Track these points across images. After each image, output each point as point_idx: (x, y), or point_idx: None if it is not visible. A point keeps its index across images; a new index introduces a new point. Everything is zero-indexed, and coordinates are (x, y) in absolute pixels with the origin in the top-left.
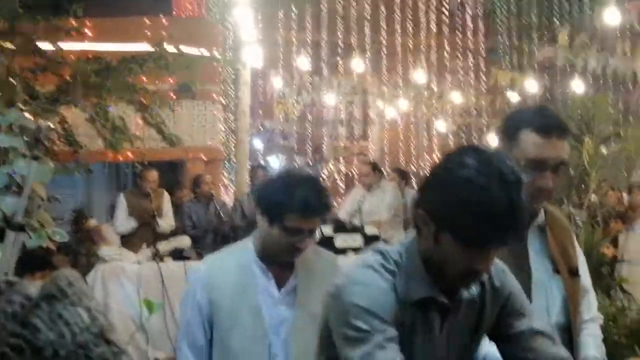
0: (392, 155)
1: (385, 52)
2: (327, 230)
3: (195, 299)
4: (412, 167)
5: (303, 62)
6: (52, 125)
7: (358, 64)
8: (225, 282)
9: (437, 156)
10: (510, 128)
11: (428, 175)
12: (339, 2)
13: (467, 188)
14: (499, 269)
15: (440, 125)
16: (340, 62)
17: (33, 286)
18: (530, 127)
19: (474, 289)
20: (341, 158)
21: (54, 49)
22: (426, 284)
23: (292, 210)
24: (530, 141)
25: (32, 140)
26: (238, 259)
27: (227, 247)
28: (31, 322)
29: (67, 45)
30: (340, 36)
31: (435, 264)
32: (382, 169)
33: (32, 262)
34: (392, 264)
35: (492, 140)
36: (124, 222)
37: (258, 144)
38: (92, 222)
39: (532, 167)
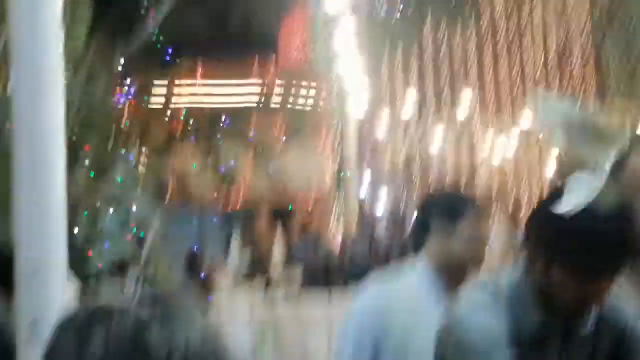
0: (502, 197)
1: (491, 98)
2: None
3: (362, 328)
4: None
5: (408, 111)
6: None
7: (462, 112)
8: (397, 307)
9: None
10: None
11: (534, 209)
12: (443, 51)
13: (577, 218)
14: (616, 305)
15: (549, 169)
16: (445, 110)
17: (144, 309)
18: None
19: (588, 326)
20: None
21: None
22: (538, 319)
23: None
24: None
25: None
26: (408, 280)
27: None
28: (142, 341)
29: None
30: (445, 85)
31: (546, 298)
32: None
33: None
34: (502, 298)
35: None
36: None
37: (363, 190)
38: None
39: None
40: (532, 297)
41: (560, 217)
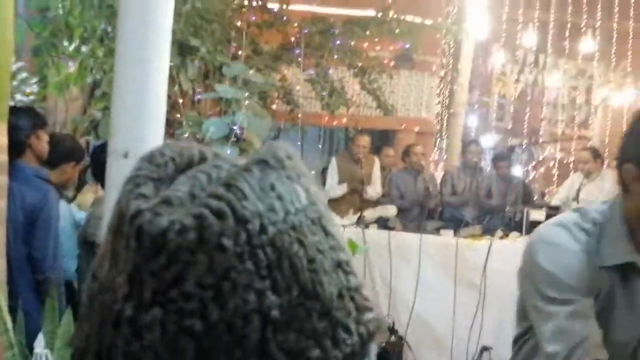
0: (613, 146)
1: (616, 37)
2: (538, 215)
3: None
4: None
5: (529, 39)
6: (273, 83)
7: (586, 47)
8: None
9: None
10: None
11: (631, 125)
12: None
13: None
14: None
15: None
16: (567, 43)
17: (243, 158)
18: None
19: None
20: (558, 144)
21: (280, 6)
22: (627, 248)
23: None
24: None
25: (253, 95)
26: None
27: None
28: (238, 186)
29: (293, 6)
30: (569, 16)
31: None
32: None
33: None
34: (590, 223)
35: None
36: (335, 186)
37: (472, 120)
38: None
39: None
40: (625, 224)
41: None
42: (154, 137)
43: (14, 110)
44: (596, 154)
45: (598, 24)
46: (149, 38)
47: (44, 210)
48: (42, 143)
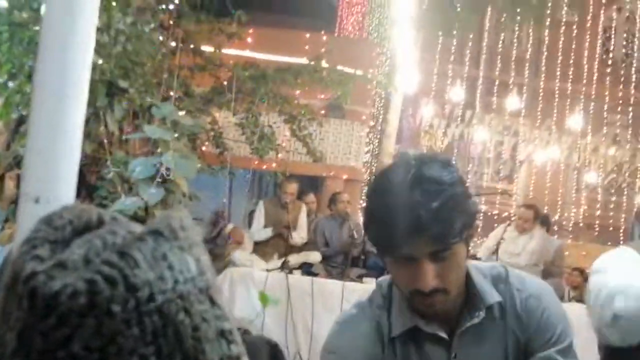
0: (536, 201)
1: (542, 95)
2: None
3: None
4: (556, 216)
5: (456, 94)
6: (203, 125)
7: (512, 104)
8: None
9: (584, 208)
10: None
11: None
12: (501, 39)
13: (370, 198)
14: (527, 294)
15: (591, 178)
16: (495, 99)
17: (140, 226)
18: None
19: (479, 315)
20: (483, 197)
21: (213, 50)
22: (406, 316)
23: None
24: None
25: (182, 136)
26: None
27: None
28: (131, 255)
29: (226, 50)
30: (497, 73)
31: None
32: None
33: None
34: (380, 298)
35: None
36: (261, 230)
37: None
38: (230, 227)
39: None
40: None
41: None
42: (67, 181)
43: None
44: (537, 214)
45: (525, 82)
46: (68, 75)
47: None
48: None
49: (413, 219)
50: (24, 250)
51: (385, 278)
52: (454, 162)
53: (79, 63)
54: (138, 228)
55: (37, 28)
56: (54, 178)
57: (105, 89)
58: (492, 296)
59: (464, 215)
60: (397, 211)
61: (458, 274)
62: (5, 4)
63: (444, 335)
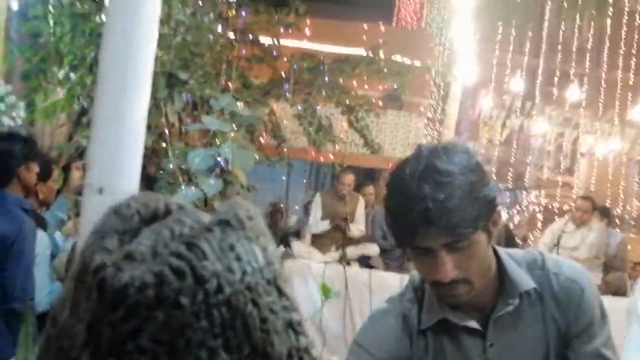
0: (597, 194)
1: (604, 86)
2: None
3: None
4: (618, 210)
5: (516, 85)
6: (261, 117)
7: (573, 95)
8: None
9: None
10: None
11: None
12: (562, 29)
13: (387, 190)
14: (564, 277)
15: None
16: (555, 90)
17: (207, 215)
18: None
19: (513, 303)
20: (543, 190)
21: (271, 42)
22: (436, 308)
23: None
24: None
25: (240, 128)
26: None
27: None
28: (199, 246)
29: (284, 41)
30: (558, 64)
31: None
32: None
33: None
34: (412, 292)
35: None
36: (319, 222)
37: None
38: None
39: None
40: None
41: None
42: (131, 172)
43: (8, 136)
44: (594, 206)
45: (587, 72)
46: (131, 67)
47: (17, 242)
48: (31, 174)
49: (422, 211)
50: (92, 241)
51: (416, 274)
52: (471, 150)
53: (142, 55)
54: (205, 217)
55: (98, 19)
56: (117, 169)
57: (165, 80)
58: (527, 283)
59: (477, 204)
60: (408, 204)
61: (480, 263)
62: None
63: (476, 325)
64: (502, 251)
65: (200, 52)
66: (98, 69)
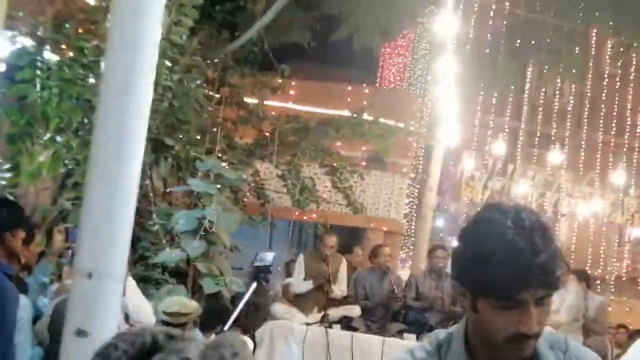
0: (578, 255)
1: (585, 148)
2: None
3: None
4: (598, 271)
5: (498, 147)
6: (245, 177)
7: (554, 156)
8: None
9: (627, 263)
10: None
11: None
12: (543, 92)
13: (487, 239)
14: (576, 346)
15: (635, 232)
16: (536, 152)
17: (194, 346)
18: None
19: None
20: None
21: (256, 103)
22: None
23: None
24: None
25: (224, 189)
26: None
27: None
28: None
29: (269, 102)
30: (539, 126)
31: (480, 339)
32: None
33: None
34: (435, 347)
35: None
36: (301, 282)
37: (440, 223)
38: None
39: None
40: (464, 342)
41: (474, 240)
42: (120, 256)
43: None
44: (568, 267)
45: (567, 134)
46: (125, 136)
47: None
48: (17, 240)
49: (537, 265)
50: None
51: (442, 330)
52: None
53: (136, 122)
54: (192, 350)
55: (84, 84)
56: (106, 254)
57: (151, 145)
58: (549, 358)
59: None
60: (521, 256)
61: (547, 320)
62: (55, 59)
63: None
64: None
65: (186, 118)
66: (93, 134)
